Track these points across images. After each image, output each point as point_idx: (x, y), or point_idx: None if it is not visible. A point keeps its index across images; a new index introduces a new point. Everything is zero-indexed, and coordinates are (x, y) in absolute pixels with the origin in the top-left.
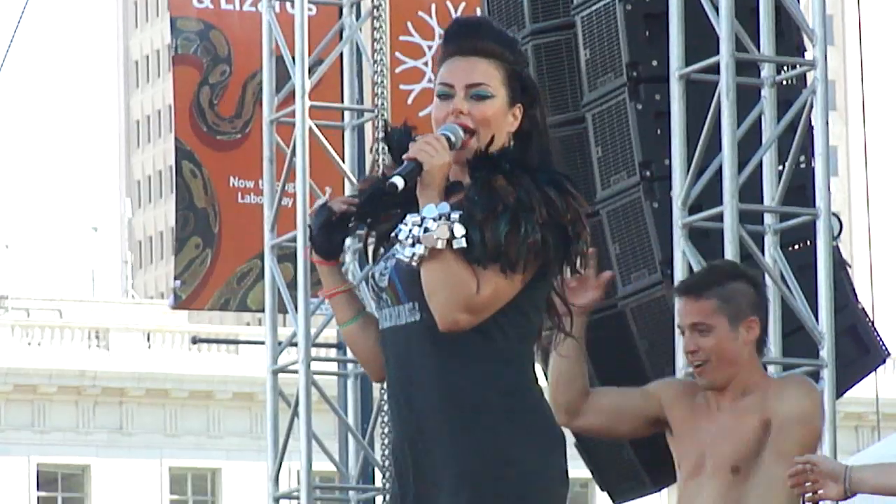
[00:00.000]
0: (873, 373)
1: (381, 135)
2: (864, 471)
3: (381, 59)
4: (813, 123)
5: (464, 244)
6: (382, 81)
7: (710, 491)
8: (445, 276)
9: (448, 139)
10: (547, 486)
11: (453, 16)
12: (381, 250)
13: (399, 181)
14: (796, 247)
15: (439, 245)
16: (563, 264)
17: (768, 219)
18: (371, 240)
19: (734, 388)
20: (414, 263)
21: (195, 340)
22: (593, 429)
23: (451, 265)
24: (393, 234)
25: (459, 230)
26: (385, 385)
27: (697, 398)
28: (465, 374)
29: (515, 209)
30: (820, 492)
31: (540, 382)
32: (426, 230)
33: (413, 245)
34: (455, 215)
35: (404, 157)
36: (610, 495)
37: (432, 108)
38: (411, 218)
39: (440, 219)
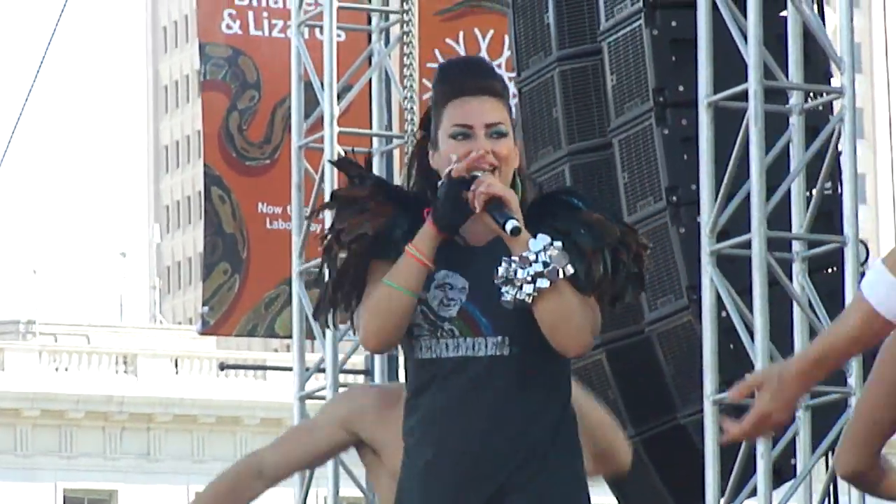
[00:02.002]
0: None
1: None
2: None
3: (411, 86)
4: (841, 151)
5: (572, 270)
6: (412, 107)
7: None
8: (571, 302)
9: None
10: None
11: (481, 43)
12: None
13: (517, 223)
14: (828, 270)
15: (565, 274)
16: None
17: (796, 246)
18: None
19: None
20: (528, 300)
21: (223, 366)
22: None
23: (570, 292)
24: (500, 278)
25: (566, 257)
26: (425, 411)
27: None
28: (545, 410)
29: (617, 243)
30: None
31: None
32: (546, 264)
33: (533, 281)
34: (559, 244)
35: (481, 192)
36: None
37: (443, 148)
38: (517, 256)
39: (551, 248)
